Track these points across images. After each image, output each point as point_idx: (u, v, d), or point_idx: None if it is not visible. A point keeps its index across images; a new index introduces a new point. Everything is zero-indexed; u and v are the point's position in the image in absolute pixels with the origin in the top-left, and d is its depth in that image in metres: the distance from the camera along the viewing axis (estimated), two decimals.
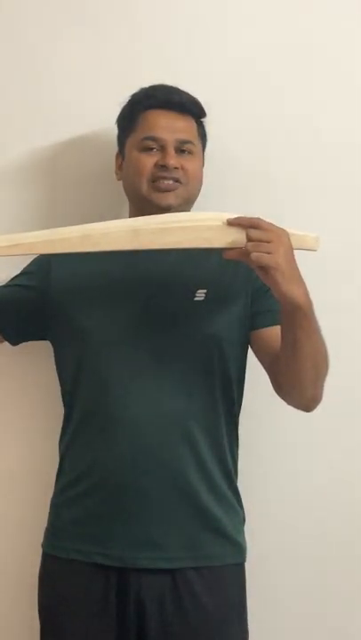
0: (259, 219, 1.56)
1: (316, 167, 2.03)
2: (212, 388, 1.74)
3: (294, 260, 1.57)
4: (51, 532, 1.78)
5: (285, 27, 2.04)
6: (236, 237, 1.55)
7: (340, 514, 2.04)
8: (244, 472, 1.81)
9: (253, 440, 1.91)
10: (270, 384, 1.76)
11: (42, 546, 1.79)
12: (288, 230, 1.57)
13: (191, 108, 1.80)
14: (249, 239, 1.54)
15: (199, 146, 1.82)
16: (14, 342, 1.85)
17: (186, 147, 1.77)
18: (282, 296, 1.56)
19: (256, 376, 1.80)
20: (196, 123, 1.82)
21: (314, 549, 2.04)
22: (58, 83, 2.00)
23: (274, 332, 1.71)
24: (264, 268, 1.54)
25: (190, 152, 1.78)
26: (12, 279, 1.85)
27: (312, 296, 1.60)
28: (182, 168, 1.75)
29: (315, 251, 1.63)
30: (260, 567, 1.85)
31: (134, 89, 1.83)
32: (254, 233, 1.54)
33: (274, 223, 1.57)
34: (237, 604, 1.74)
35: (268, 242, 1.53)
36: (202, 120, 1.83)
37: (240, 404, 1.81)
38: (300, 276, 1.58)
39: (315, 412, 1.78)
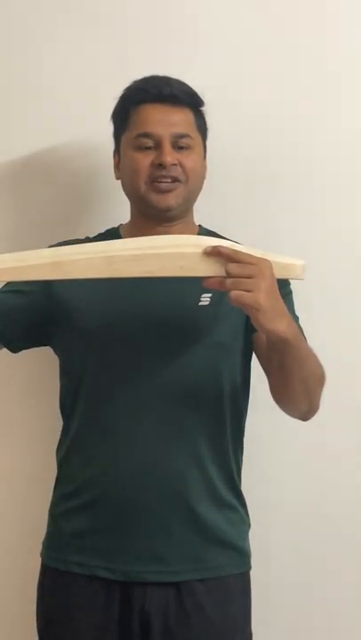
0: (238, 251, 1.47)
1: (317, 166, 2.03)
2: (219, 396, 1.68)
3: (277, 293, 1.48)
4: (50, 542, 1.74)
5: (286, 25, 2.03)
6: (215, 267, 1.47)
7: (345, 516, 2.04)
8: (247, 475, 1.79)
9: (257, 442, 1.88)
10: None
11: (41, 556, 1.74)
12: (272, 258, 1.48)
13: (185, 99, 1.71)
14: (228, 274, 1.45)
15: (198, 138, 1.73)
16: (16, 350, 1.78)
17: (183, 141, 1.69)
18: (265, 332, 1.49)
19: (257, 379, 1.79)
20: (194, 113, 1.73)
21: (318, 552, 2.04)
22: (57, 83, 1.99)
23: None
24: (245, 306, 1.45)
25: (188, 147, 1.70)
26: (9, 283, 1.75)
27: (314, 297, 1.58)
28: (180, 164, 1.68)
29: (301, 280, 1.54)
30: (263, 572, 1.84)
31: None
32: (234, 268, 1.45)
33: (256, 249, 1.49)
34: (242, 613, 1.72)
35: (248, 277, 1.44)
36: (201, 109, 1.75)
37: (246, 412, 1.76)
38: (283, 309, 1.50)
39: (319, 415, 1.79)
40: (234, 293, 1.44)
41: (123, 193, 1.81)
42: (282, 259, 1.50)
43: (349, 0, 2.03)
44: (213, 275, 1.47)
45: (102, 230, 1.81)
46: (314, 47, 2.02)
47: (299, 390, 1.61)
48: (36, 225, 1.97)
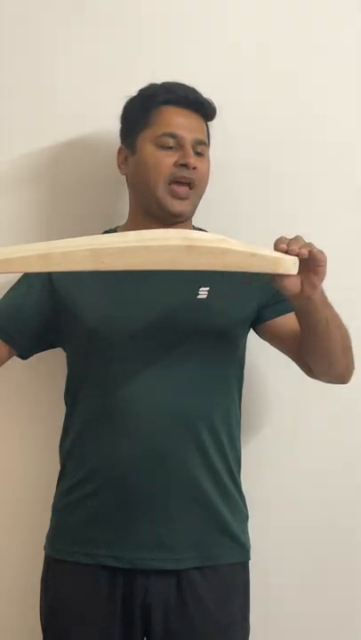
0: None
1: (317, 167, 2.03)
2: (217, 387, 1.73)
3: None
4: (55, 535, 1.76)
5: (286, 26, 2.02)
6: (202, 260, 1.46)
7: (342, 511, 2.03)
8: (245, 469, 1.81)
9: (255, 437, 1.94)
10: (269, 377, 1.93)
11: (44, 549, 1.77)
12: (260, 252, 1.47)
13: (206, 109, 1.79)
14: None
15: (208, 147, 1.80)
16: (26, 355, 1.81)
17: (200, 148, 1.76)
18: (315, 287, 1.56)
19: (256, 372, 1.86)
20: (205, 124, 1.80)
21: (315, 547, 2.03)
22: (57, 83, 1.99)
23: (291, 319, 1.72)
24: (310, 271, 1.53)
25: (203, 153, 1.77)
26: (12, 289, 1.81)
27: None
28: (197, 169, 1.74)
29: (293, 275, 1.50)
30: (261, 565, 1.85)
31: (133, 88, 1.80)
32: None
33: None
34: (240, 603, 1.75)
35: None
36: (208, 122, 1.82)
37: (240, 400, 1.81)
38: None
39: (317, 407, 1.95)
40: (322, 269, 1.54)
41: (120, 194, 1.83)
42: (271, 253, 1.47)
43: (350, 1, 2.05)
44: (200, 268, 1.46)
45: (100, 232, 1.82)
46: (314, 47, 2.02)
47: (339, 345, 1.66)
48: (33, 227, 1.98)
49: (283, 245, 1.50)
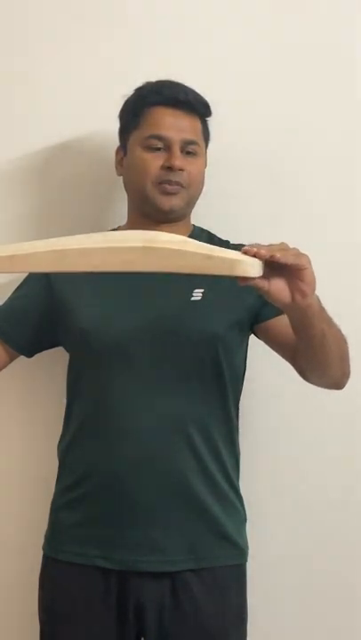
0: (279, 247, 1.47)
1: (318, 167, 2.04)
2: (211, 389, 1.73)
3: None
4: (51, 534, 1.79)
5: (286, 27, 2.04)
6: (161, 262, 1.45)
7: (343, 512, 2.05)
8: (244, 471, 1.82)
9: (254, 439, 1.95)
10: (269, 380, 1.93)
11: (42, 548, 1.80)
12: (218, 254, 1.45)
13: (198, 107, 1.78)
14: (279, 258, 1.44)
15: (203, 146, 1.80)
16: (29, 354, 1.85)
17: (191, 147, 1.76)
18: (307, 297, 1.49)
19: (256, 374, 1.85)
20: (201, 122, 1.80)
21: (315, 549, 2.05)
22: (56, 83, 2.02)
23: (287, 320, 1.66)
24: (294, 278, 1.46)
25: (194, 153, 1.77)
26: (15, 292, 1.85)
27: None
28: (186, 170, 1.74)
29: (254, 278, 1.48)
30: (261, 567, 1.88)
31: (133, 89, 1.82)
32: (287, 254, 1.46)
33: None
34: (237, 606, 1.75)
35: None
36: (207, 119, 1.82)
37: (238, 404, 1.81)
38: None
39: (317, 410, 1.96)
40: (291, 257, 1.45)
41: (121, 194, 1.84)
42: (228, 255, 1.45)
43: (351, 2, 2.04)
44: (159, 270, 1.46)
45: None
46: (314, 47, 2.02)
47: (335, 356, 1.63)
48: (32, 228, 2.01)
49: (252, 249, 1.44)
